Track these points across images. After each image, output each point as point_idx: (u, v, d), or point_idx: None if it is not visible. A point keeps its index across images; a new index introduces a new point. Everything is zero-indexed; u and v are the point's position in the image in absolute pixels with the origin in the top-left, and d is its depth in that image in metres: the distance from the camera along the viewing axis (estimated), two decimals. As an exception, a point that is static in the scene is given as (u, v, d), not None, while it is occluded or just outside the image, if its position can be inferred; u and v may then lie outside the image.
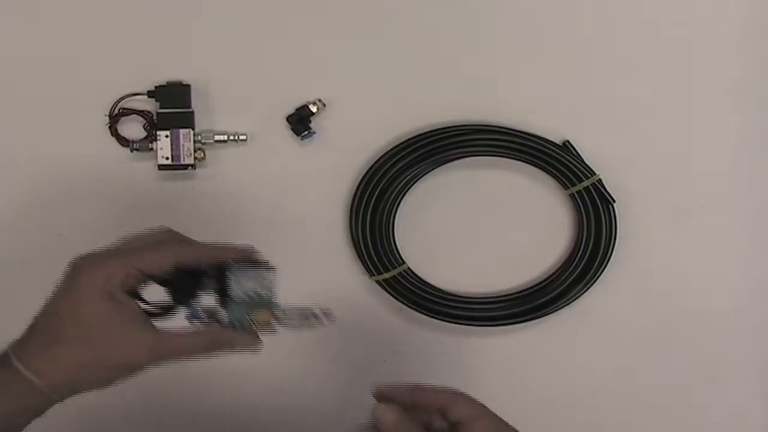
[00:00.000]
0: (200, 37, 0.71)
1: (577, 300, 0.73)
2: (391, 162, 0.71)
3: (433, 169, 0.73)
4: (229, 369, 0.73)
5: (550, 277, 0.74)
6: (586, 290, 0.73)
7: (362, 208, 0.71)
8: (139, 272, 0.51)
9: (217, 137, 0.70)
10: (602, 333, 0.75)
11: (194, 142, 0.68)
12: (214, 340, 0.53)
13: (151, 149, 0.69)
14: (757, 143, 0.75)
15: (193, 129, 0.69)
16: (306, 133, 0.71)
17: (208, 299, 0.55)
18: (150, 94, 0.69)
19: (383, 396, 0.51)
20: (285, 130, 0.72)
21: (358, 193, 0.72)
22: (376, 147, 0.73)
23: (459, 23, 0.73)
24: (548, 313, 0.73)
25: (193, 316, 0.53)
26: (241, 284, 0.53)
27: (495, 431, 0.50)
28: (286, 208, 0.73)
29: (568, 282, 0.73)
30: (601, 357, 0.76)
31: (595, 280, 0.73)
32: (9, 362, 0.50)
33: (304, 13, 0.72)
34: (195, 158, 0.69)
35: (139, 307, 0.52)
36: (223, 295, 0.54)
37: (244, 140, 0.70)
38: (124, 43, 0.71)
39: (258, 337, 0.54)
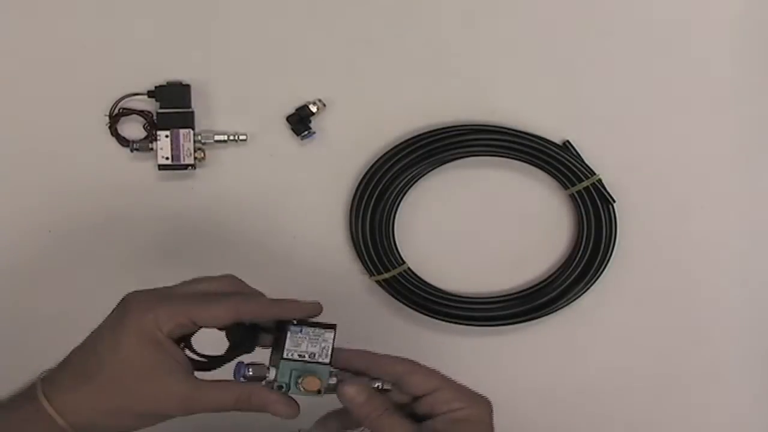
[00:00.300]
0: (200, 37, 0.71)
1: (577, 300, 0.73)
2: (391, 162, 0.71)
3: (433, 169, 0.73)
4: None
5: (550, 277, 0.74)
6: (586, 290, 0.73)
7: (362, 208, 0.71)
8: (193, 323, 0.49)
9: (217, 137, 0.70)
10: (602, 333, 0.75)
11: (194, 142, 0.68)
12: (249, 398, 0.49)
13: (151, 149, 0.68)
14: (757, 143, 0.75)
15: (193, 129, 0.69)
16: (306, 133, 0.71)
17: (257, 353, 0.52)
18: (150, 94, 0.69)
19: (344, 361, 0.51)
20: (285, 130, 0.72)
21: (358, 193, 0.72)
22: (376, 147, 0.73)
23: (459, 23, 0.73)
24: (548, 313, 0.73)
25: (239, 373, 0.50)
26: (297, 344, 0.51)
27: (461, 400, 0.50)
28: (286, 208, 0.73)
29: (568, 282, 0.73)
30: (601, 357, 0.76)
31: (595, 280, 0.73)
32: (35, 395, 0.48)
33: (304, 13, 0.72)
34: (195, 158, 0.69)
35: (185, 357, 0.50)
36: (277, 353, 0.51)
37: (244, 140, 0.70)
38: (124, 43, 0.71)
39: (295, 405, 0.50)
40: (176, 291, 0.51)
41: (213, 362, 0.51)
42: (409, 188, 0.72)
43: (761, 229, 0.75)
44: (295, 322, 0.51)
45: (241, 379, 0.49)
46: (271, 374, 0.50)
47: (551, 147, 0.72)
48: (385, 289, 0.72)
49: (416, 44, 0.73)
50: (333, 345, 0.51)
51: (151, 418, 0.49)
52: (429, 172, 0.73)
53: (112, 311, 0.50)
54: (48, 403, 0.47)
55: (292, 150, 0.72)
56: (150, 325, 0.48)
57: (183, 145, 0.68)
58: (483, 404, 0.51)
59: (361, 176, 0.72)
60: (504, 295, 0.74)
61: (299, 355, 0.51)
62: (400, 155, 0.71)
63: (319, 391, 0.50)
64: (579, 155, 0.73)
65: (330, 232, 0.73)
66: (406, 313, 0.73)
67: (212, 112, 0.71)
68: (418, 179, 0.72)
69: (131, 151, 0.69)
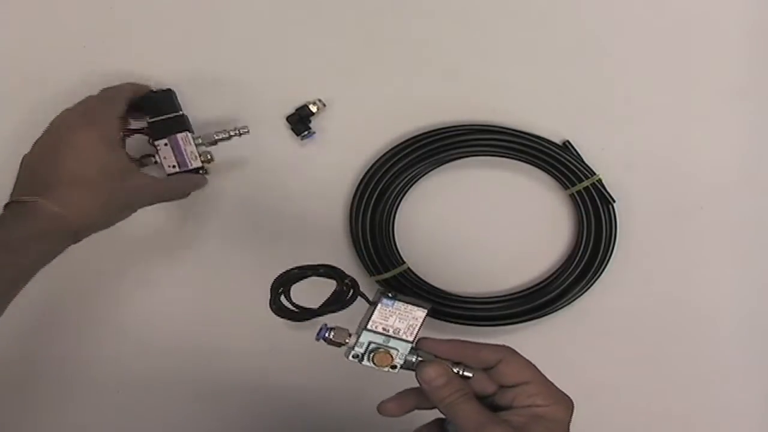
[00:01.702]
0: (201, 38, 0.71)
1: (577, 300, 0.73)
2: (391, 162, 0.71)
3: (433, 169, 0.73)
4: (231, 370, 0.73)
5: (550, 277, 0.74)
6: (586, 290, 0.73)
7: (362, 208, 0.71)
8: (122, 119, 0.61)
9: (216, 136, 0.68)
10: (602, 333, 0.75)
11: (195, 145, 0.66)
12: (190, 182, 0.65)
13: (156, 162, 0.66)
14: (757, 143, 0.75)
15: (191, 132, 0.67)
16: (306, 133, 0.71)
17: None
18: (137, 107, 0.66)
19: (430, 351, 0.51)
20: (285, 130, 0.72)
21: (358, 193, 0.72)
22: (376, 147, 0.73)
23: (459, 23, 0.73)
24: (548, 313, 0.73)
25: (320, 333, 0.51)
26: (386, 318, 0.51)
27: (545, 397, 0.49)
28: (286, 208, 0.73)
29: (568, 282, 0.73)
30: (600, 357, 0.76)
31: (595, 280, 0.73)
32: (34, 207, 0.55)
33: (304, 13, 0.72)
34: (203, 161, 0.66)
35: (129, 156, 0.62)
36: (363, 322, 0.52)
37: (247, 132, 0.68)
38: (124, 46, 0.71)
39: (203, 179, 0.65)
40: (90, 107, 0.61)
41: (303, 313, 0.51)
42: (409, 188, 0.72)
43: (761, 229, 0.75)
44: (390, 294, 0.51)
45: (321, 339, 0.50)
46: (351, 341, 0.50)
47: (551, 147, 0.72)
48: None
49: (416, 44, 0.73)
50: (422, 324, 0.51)
51: (128, 212, 0.61)
52: (429, 172, 0.73)
53: (77, 113, 0.61)
54: (50, 204, 0.55)
55: (292, 150, 0.72)
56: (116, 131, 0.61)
57: (185, 149, 0.66)
58: (565, 404, 0.51)
59: (361, 176, 0.72)
60: (504, 295, 0.74)
61: (383, 329, 0.51)
62: (400, 155, 0.71)
63: (394, 367, 0.50)
64: (579, 155, 0.73)
65: (330, 232, 0.73)
66: (406, 313, 0.73)
67: (212, 113, 0.71)
68: (418, 179, 0.72)
69: (140, 167, 0.66)
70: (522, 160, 0.72)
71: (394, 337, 0.50)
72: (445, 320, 0.72)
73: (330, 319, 0.52)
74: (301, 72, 0.72)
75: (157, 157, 0.65)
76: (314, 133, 0.71)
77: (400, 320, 0.51)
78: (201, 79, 0.71)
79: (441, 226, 0.74)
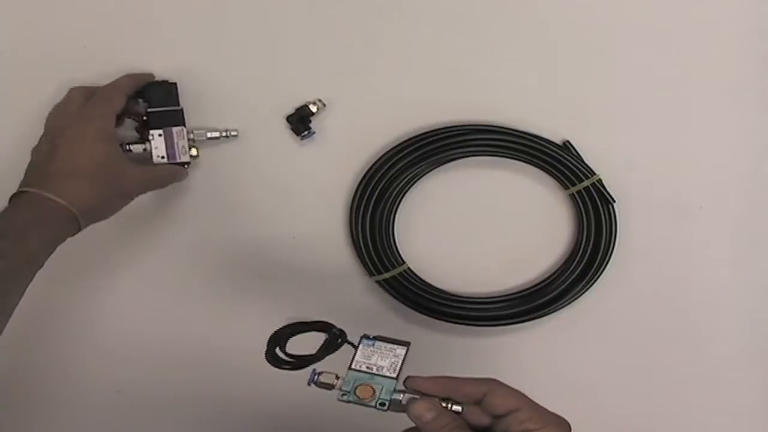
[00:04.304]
0: (201, 38, 0.71)
1: (577, 300, 0.73)
2: (391, 162, 0.71)
3: (433, 169, 0.73)
4: (232, 370, 0.73)
5: (550, 277, 0.74)
6: (586, 290, 0.73)
7: (362, 208, 0.71)
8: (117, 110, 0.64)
9: (209, 134, 0.70)
10: (602, 333, 0.75)
11: (188, 139, 0.68)
12: (175, 173, 0.68)
13: (146, 150, 0.68)
14: (757, 143, 0.75)
15: (185, 126, 0.69)
16: (306, 133, 0.71)
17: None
18: (138, 94, 0.69)
19: (416, 389, 0.51)
20: (285, 130, 0.72)
21: (358, 193, 0.72)
22: (376, 147, 0.73)
23: (459, 23, 0.73)
24: (548, 313, 0.73)
25: (311, 378, 0.52)
26: (368, 357, 0.53)
27: (537, 421, 0.50)
28: (286, 208, 0.73)
29: (568, 282, 0.73)
30: (600, 357, 0.76)
31: (595, 280, 0.73)
32: (37, 196, 0.59)
33: (304, 13, 0.72)
34: (190, 156, 0.69)
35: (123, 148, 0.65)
36: (349, 364, 0.53)
37: (236, 136, 0.70)
38: (124, 45, 0.71)
39: (183, 170, 0.68)
40: (89, 106, 0.64)
41: (302, 361, 0.54)
42: (409, 188, 0.72)
43: (761, 229, 0.75)
44: (370, 336, 0.54)
45: (312, 384, 0.52)
46: (339, 383, 0.52)
47: (551, 147, 0.72)
48: (385, 289, 0.72)
49: (416, 44, 0.73)
50: (403, 361, 0.53)
51: (123, 202, 0.64)
52: (429, 172, 0.73)
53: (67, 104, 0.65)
54: (47, 193, 0.58)
55: (292, 150, 0.72)
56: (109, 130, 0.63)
57: (177, 143, 0.68)
58: (558, 425, 0.51)
59: (361, 176, 0.72)
60: (504, 295, 0.74)
61: (367, 367, 0.52)
62: (400, 155, 0.71)
63: (383, 404, 0.51)
64: (579, 155, 0.73)
65: (330, 232, 0.73)
66: (406, 313, 0.73)
67: (213, 113, 0.71)
68: (418, 179, 0.72)
69: (125, 152, 0.68)
70: (522, 160, 0.72)
71: (378, 375, 0.52)
72: (445, 320, 0.72)
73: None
74: (301, 72, 0.72)
75: (147, 145, 0.68)
76: (314, 133, 0.71)
77: (382, 358, 0.53)
78: (201, 78, 0.71)
79: (441, 226, 0.74)
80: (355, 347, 0.54)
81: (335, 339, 0.54)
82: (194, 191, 0.72)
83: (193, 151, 0.69)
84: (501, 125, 0.72)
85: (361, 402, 0.51)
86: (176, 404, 0.73)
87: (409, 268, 0.72)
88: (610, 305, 0.75)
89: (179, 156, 0.68)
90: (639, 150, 0.74)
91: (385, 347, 0.54)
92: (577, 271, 0.73)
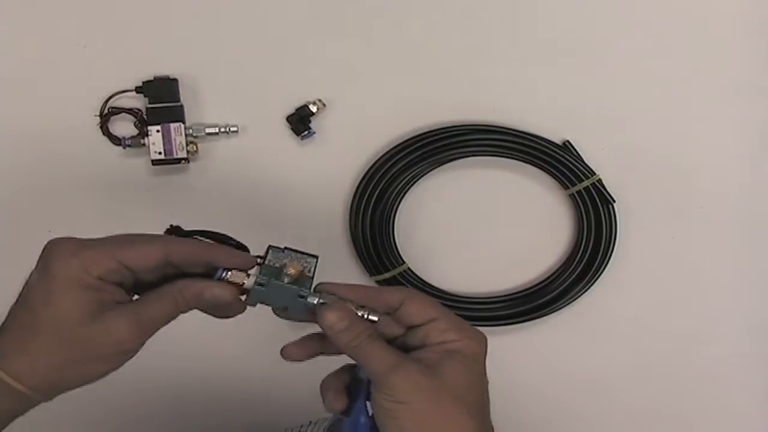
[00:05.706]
0: (201, 38, 0.71)
1: (577, 300, 0.73)
2: (391, 162, 0.71)
3: (433, 169, 0.73)
4: (224, 369, 0.73)
5: (550, 277, 0.74)
6: (586, 290, 0.73)
7: (362, 208, 0.71)
8: (122, 266, 0.46)
9: (208, 130, 0.70)
10: (602, 333, 0.75)
11: (186, 135, 0.69)
12: (183, 292, 0.47)
13: (143, 145, 0.68)
14: (757, 143, 0.75)
15: (184, 122, 0.69)
16: (306, 133, 0.71)
17: None
18: (138, 89, 0.69)
19: (331, 293, 0.48)
20: (285, 130, 0.72)
21: (358, 193, 0.72)
22: (376, 147, 0.73)
23: (459, 23, 0.73)
24: (548, 313, 0.73)
25: (217, 275, 0.48)
26: (279, 259, 0.50)
27: (456, 331, 0.47)
28: (286, 208, 0.73)
29: (568, 282, 0.73)
30: (601, 357, 0.76)
31: (595, 280, 0.73)
32: None
33: (304, 13, 0.72)
34: (188, 151, 0.69)
35: (121, 291, 0.47)
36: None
37: (236, 131, 0.70)
38: (124, 45, 0.71)
39: (231, 287, 0.48)
40: (104, 238, 0.48)
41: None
42: (409, 188, 0.72)
43: (761, 229, 0.75)
44: (280, 246, 0.51)
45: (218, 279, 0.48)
46: (250, 281, 0.48)
47: (551, 147, 0.72)
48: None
49: (416, 44, 0.73)
50: (315, 269, 0.50)
51: (112, 359, 0.47)
52: (429, 172, 0.73)
53: (38, 261, 0.47)
54: (1, 370, 0.45)
55: (292, 150, 0.72)
56: (77, 270, 0.45)
57: (175, 138, 0.68)
58: (479, 339, 0.48)
59: (361, 176, 0.72)
60: (504, 295, 0.74)
61: (280, 266, 0.49)
62: (400, 155, 0.71)
63: (302, 297, 0.48)
64: (579, 155, 0.73)
65: (330, 232, 0.73)
66: (406, 313, 0.73)
67: (213, 112, 0.71)
68: (418, 179, 0.72)
69: (123, 148, 0.69)
70: (522, 160, 0.72)
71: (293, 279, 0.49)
72: (445, 320, 0.72)
73: None
74: (301, 72, 0.72)
75: (146, 140, 0.68)
76: (314, 133, 0.71)
77: (294, 263, 0.50)
78: (201, 78, 0.71)
79: (441, 226, 0.74)
80: (264, 255, 0.50)
81: (238, 249, 0.51)
82: (194, 192, 0.72)
83: (194, 146, 0.69)
84: (501, 125, 0.72)
85: (279, 286, 0.47)
86: (176, 404, 0.73)
87: (409, 268, 0.72)
88: (610, 305, 0.75)
89: (176, 152, 0.68)
90: (639, 150, 0.74)
91: (295, 255, 0.50)
92: (577, 271, 0.73)
